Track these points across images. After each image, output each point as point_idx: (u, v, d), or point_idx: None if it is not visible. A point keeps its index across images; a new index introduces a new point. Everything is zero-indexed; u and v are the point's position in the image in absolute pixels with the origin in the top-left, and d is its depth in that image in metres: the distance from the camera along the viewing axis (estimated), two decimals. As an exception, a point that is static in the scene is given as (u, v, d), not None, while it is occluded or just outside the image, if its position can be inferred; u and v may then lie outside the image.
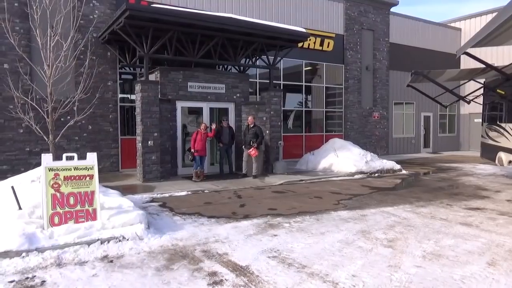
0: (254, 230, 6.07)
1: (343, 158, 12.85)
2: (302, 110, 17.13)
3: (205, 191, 9.44)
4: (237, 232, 5.96)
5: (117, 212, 5.85)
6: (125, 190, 8.75)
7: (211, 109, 12.42)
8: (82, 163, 5.64)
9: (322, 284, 4.04)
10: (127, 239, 5.27)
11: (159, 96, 10.90)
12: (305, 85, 17.06)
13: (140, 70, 12.75)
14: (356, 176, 12.12)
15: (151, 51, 10.46)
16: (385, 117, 19.55)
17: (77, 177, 5.55)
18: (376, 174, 12.54)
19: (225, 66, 13.86)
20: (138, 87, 10.66)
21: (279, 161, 12.38)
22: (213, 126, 11.63)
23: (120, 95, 12.78)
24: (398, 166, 13.24)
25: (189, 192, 9.24)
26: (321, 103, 17.73)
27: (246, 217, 6.92)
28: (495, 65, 10.75)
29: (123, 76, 13.02)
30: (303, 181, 11.05)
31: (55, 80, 8.23)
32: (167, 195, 8.92)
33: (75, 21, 9.11)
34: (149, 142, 10.52)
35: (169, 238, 5.59)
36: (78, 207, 5.49)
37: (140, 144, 10.61)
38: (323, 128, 17.69)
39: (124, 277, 4.22)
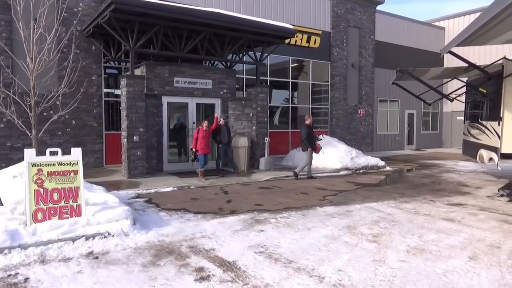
0: (241, 225, 6.09)
1: (328, 155, 12.94)
2: (289, 107, 17.18)
3: (191, 187, 9.40)
4: (224, 227, 5.97)
5: (102, 208, 5.79)
6: (110, 186, 8.65)
7: (198, 105, 12.36)
8: (66, 158, 5.55)
9: (309, 279, 4.09)
10: (113, 235, 5.22)
11: (144, 91, 10.78)
12: (291, 81, 17.10)
13: (126, 64, 12.58)
14: (342, 172, 12.24)
15: (137, 45, 10.33)
16: (370, 114, 19.76)
17: (61, 173, 5.46)
18: (361, 171, 12.69)
19: (212, 62, 13.78)
20: (123, 82, 10.53)
21: (265, 157, 12.41)
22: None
23: (104, 90, 12.59)
24: (382, 163, 13.43)
25: (175, 188, 9.19)
26: (307, 100, 17.80)
27: (232, 212, 6.93)
28: (478, 64, 10.97)
29: (108, 71, 12.82)
30: (289, 177, 11.10)
31: (38, 74, 8.04)
32: (153, 191, 8.86)
33: (59, 14, 8.92)
34: (134, 138, 10.42)
35: (156, 234, 5.56)
36: (62, 203, 5.41)
37: (125, 139, 10.49)
38: (309, 124, 17.75)
39: (110, 274, 4.18)
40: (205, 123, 10.66)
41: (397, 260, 4.61)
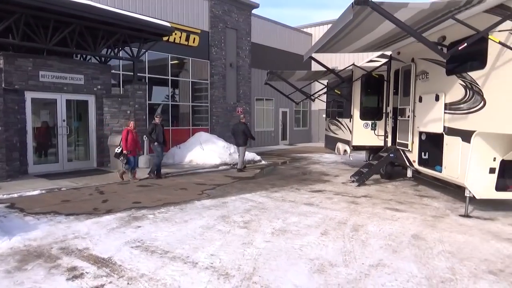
0: (117, 223, 6.07)
1: (208, 151, 13.41)
2: (169, 104, 17.15)
3: (63, 189, 8.84)
4: (99, 227, 5.88)
5: (-47, 216, 5.17)
6: (-40, 193, 7.64)
7: (68, 101, 11.55)
8: None
9: (183, 265, 4.39)
10: (-33, 245, 4.74)
11: (3, 85, 9.69)
12: (171, 79, 17.09)
13: (-22, 54, 11.05)
14: (221, 168, 12.81)
15: (-8, 34, 9.23)
16: (248, 112, 20.89)
17: None
18: (239, 165, 13.45)
19: (85, 56, 12.99)
20: (-25, 75, 9.30)
21: (144, 155, 12.26)
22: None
23: (-50, 83, 10.86)
24: (258, 157, 14.43)
25: (43, 191, 8.53)
26: (188, 97, 18.02)
27: (109, 212, 6.82)
28: (339, 68, 12.63)
29: (-47, 61, 11.08)
30: (169, 174, 11.21)
31: None
32: (15, 195, 8.08)
33: None
34: (-9, 137, 9.31)
35: (21, 239, 5.21)
36: None
37: (-21, 139, 9.29)
38: (190, 122, 18.02)
39: (-35, 284, 3.86)
40: (132, 124, 10.14)
41: (263, 241, 5.23)
